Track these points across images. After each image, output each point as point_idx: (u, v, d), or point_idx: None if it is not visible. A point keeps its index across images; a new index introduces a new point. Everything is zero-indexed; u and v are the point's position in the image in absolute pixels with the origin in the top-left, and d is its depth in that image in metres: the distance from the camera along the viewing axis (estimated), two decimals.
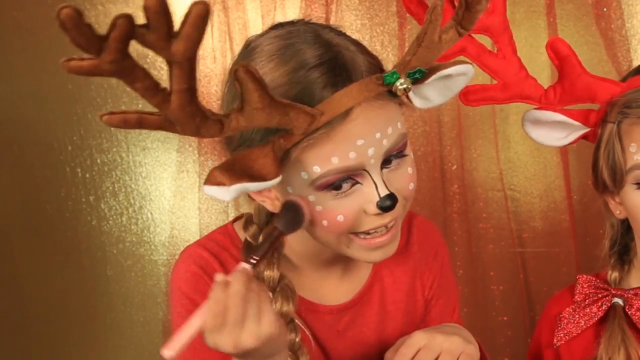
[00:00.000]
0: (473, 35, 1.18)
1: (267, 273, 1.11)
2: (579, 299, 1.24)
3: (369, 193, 1.00)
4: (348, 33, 1.15)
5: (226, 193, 0.95)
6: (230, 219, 1.28)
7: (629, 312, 1.19)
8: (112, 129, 1.85)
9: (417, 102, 1.05)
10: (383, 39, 1.85)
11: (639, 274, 1.25)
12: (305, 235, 1.09)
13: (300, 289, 1.16)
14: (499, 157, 1.86)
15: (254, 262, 0.96)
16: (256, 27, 1.82)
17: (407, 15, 1.63)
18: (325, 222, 1.02)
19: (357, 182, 1.01)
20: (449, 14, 1.09)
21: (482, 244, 1.88)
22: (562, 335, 1.24)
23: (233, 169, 0.95)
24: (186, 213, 1.88)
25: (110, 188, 1.93)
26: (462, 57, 1.15)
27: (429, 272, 1.23)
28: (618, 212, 1.21)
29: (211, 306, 0.92)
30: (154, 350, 1.75)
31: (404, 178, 1.04)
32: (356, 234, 1.03)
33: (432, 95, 1.06)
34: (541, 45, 1.45)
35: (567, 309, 1.24)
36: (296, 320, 1.13)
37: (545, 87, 1.21)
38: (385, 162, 1.02)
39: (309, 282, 1.19)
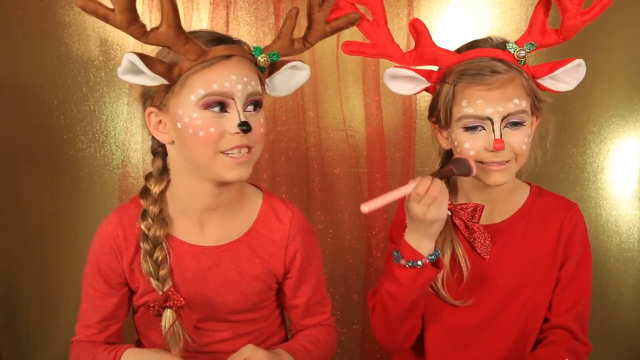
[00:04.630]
0: (356, 5, 1.42)
1: (151, 209, 1.36)
2: None
3: (233, 118, 1.26)
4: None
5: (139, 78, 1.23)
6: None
7: (455, 221, 1.41)
8: (82, 94, 2.18)
9: (268, 90, 1.37)
10: (265, 30, 2.10)
11: (462, 194, 1.45)
12: (188, 183, 1.34)
13: (180, 232, 1.39)
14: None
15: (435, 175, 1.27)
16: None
17: (281, 14, 1.99)
18: (201, 133, 1.26)
19: (227, 111, 1.26)
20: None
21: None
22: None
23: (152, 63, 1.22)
24: (134, 146, 2.17)
25: (82, 129, 2.23)
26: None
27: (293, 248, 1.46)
28: (445, 144, 1.42)
29: (417, 188, 1.24)
30: None
31: (257, 122, 1.30)
32: (223, 152, 1.27)
33: (278, 83, 1.37)
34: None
35: None
36: (164, 243, 1.36)
37: (404, 52, 1.42)
38: (255, 106, 1.30)
39: (190, 226, 1.40)
